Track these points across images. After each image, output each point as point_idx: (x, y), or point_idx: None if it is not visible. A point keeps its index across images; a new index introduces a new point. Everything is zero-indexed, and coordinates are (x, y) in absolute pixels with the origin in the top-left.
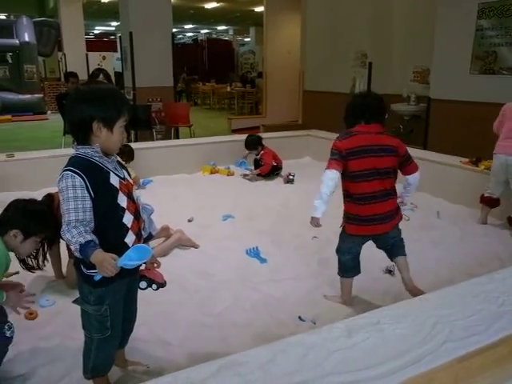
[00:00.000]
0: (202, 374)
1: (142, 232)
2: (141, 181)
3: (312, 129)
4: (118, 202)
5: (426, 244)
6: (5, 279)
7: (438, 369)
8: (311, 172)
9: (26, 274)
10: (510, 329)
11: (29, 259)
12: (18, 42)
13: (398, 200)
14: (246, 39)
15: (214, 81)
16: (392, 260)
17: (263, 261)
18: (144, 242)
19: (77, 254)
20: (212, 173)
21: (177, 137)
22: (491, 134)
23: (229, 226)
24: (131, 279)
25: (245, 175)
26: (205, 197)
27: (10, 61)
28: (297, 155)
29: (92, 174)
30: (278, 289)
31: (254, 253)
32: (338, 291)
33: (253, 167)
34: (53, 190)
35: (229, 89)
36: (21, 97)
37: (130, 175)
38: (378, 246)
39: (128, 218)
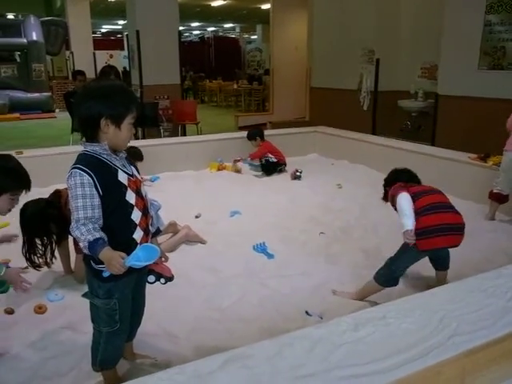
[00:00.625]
0: (210, 367)
1: (150, 228)
2: (149, 177)
3: (319, 125)
4: (127, 198)
5: None
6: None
7: (445, 362)
8: (318, 168)
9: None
10: None
11: (35, 257)
12: (25, 41)
13: None
14: (253, 37)
15: (220, 78)
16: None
17: (270, 256)
18: (152, 237)
19: (85, 251)
20: (219, 169)
21: (184, 134)
22: (499, 130)
23: (236, 221)
24: (140, 274)
25: (235, 160)
26: (212, 193)
27: (19, 60)
28: (304, 152)
29: (100, 171)
30: (285, 284)
31: (261, 248)
32: (346, 287)
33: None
34: (61, 186)
35: (236, 86)
36: (29, 95)
37: (138, 172)
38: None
39: (136, 215)
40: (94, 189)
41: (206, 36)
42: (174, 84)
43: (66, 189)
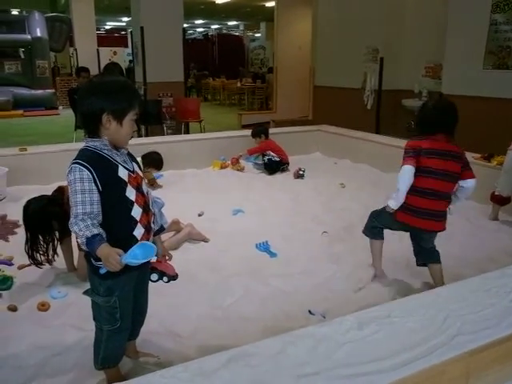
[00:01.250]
0: (213, 365)
1: (152, 225)
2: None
3: (322, 124)
4: (127, 194)
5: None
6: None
7: (449, 361)
8: (321, 167)
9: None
10: None
11: (38, 254)
12: (30, 37)
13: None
14: (257, 34)
15: (224, 76)
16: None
17: (273, 255)
18: (156, 235)
19: (83, 247)
20: (222, 168)
21: (187, 132)
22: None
23: (239, 220)
24: (141, 272)
25: (233, 159)
26: (215, 191)
27: (22, 56)
28: (307, 150)
29: (100, 166)
30: (287, 283)
31: (264, 247)
32: (351, 285)
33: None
34: (65, 183)
35: (239, 84)
36: (33, 92)
37: (140, 168)
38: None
39: (137, 211)
40: (93, 184)
41: (209, 34)
42: (177, 82)
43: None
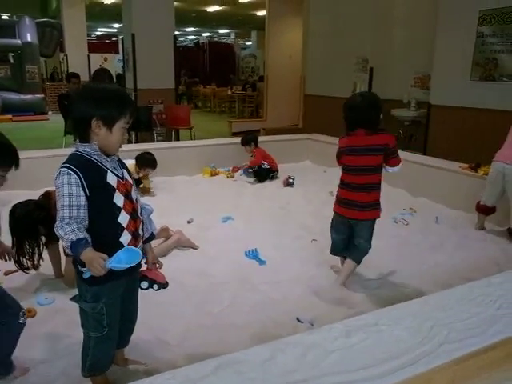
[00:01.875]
0: (202, 372)
1: (141, 232)
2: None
3: (312, 133)
4: (114, 201)
5: (425, 248)
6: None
7: (435, 370)
8: (311, 176)
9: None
10: (507, 332)
11: (24, 259)
12: (20, 42)
13: None
14: (248, 43)
15: (214, 84)
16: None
17: (262, 262)
18: (146, 242)
19: (67, 251)
20: (212, 175)
21: (177, 139)
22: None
23: (228, 227)
24: (130, 279)
25: (234, 168)
26: (204, 198)
27: (12, 61)
28: (297, 159)
29: (88, 171)
30: (276, 290)
31: (253, 254)
32: (338, 295)
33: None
34: (52, 188)
35: (230, 92)
36: (22, 97)
37: (130, 175)
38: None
39: (124, 218)
40: (80, 188)
41: (200, 41)
42: (168, 89)
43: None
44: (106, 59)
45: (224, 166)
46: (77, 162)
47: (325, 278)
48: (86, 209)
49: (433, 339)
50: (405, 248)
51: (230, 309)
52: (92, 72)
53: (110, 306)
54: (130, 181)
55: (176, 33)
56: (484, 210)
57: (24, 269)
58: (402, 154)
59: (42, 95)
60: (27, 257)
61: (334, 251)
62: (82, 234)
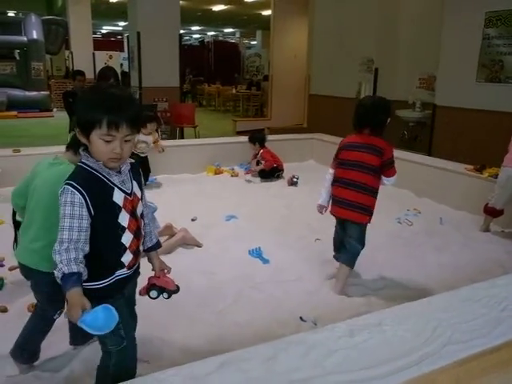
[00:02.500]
0: (206, 369)
1: (141, 248)
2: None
3: (317, 132)
4: (119, 220)
5: (429, 249)
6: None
7: (439, 371)
8: (315, 175)
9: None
10: (511, 334)
11: None
12: (25, 39)
13: None
14: (253, 42)
15: (219, 83)
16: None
17: (265, 261)
18: (151, 251)
19: (57, 280)
20: (216, 173)
21: (182, 137)
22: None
23: (232, 226)
24: (128, 295)
25: (248, 171)
26: (208, 197)
27: (18, 58)
28: (301, 158)
29: (94, 189)
30: (279, 289)
31: (257, 253)
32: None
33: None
34: None
35: (234, 91)
36: (27, 93)
37: (141, 185)
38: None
39: (127, 238)
40: (84, 209)
41: (205, 40)
42: (173, 87)
43: None
44: (111, 57)
45: (228, 165)
46: (82, 179)
47: (328, 277)
48: (88, 231)
49: (437, 340)
50: (409, 249)
51: (233, 307)
52: (97, 70)
53: (121, 315)
54: (139, 194)
55: (181, 31)
56: (492, 213)
57: None
58: (406, 154)
59: (47, 92)
60: None
61: (334, 251)
62: (76, 268)
